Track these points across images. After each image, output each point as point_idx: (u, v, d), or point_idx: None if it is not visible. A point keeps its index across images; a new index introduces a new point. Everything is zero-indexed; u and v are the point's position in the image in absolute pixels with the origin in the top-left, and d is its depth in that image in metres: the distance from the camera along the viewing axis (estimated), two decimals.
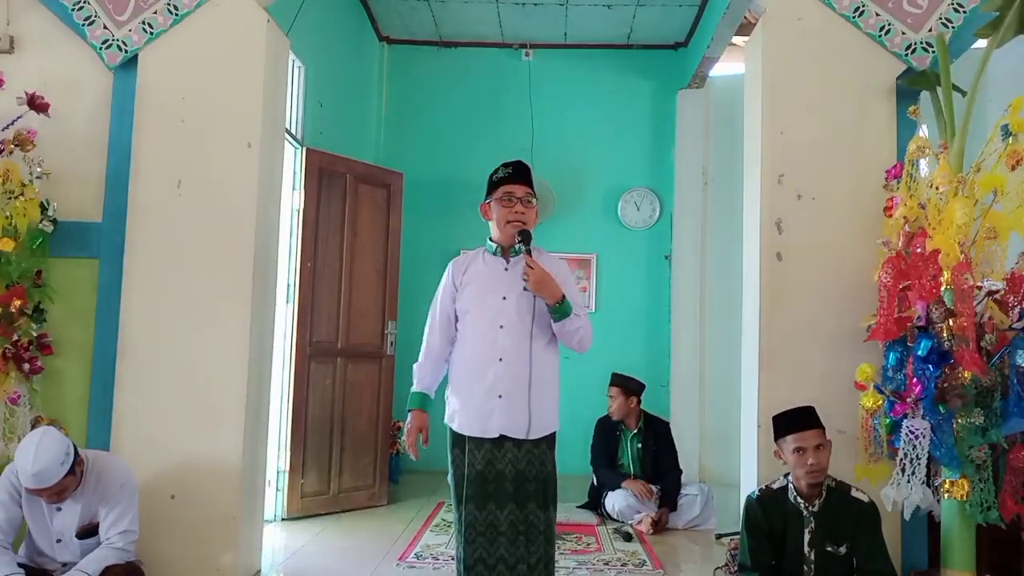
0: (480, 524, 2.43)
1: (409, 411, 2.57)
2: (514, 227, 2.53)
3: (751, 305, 3.42)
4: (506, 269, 2.56)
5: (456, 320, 2.61)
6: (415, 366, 2.63)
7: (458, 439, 2.53)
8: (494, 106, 6.48)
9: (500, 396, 2.46)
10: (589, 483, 5.00)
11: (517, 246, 2.53)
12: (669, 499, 4.61)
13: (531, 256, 2.46)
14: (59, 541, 2.81)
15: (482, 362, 2.49)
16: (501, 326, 2.49)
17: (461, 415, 2.52)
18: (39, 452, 2.59)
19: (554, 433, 2.57)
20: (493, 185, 2.59)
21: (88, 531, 2.81)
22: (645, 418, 4.87)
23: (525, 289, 2.47)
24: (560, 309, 2.46)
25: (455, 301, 2.60)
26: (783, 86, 3.38)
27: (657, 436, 4.81)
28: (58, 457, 2.62)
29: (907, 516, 2.85)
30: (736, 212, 3.84)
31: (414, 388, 2.60)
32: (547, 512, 2.48)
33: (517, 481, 2.45)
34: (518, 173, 2.58)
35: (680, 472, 4.76)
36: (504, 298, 2.51)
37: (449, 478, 2.56)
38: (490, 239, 2.63)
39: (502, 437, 2.47)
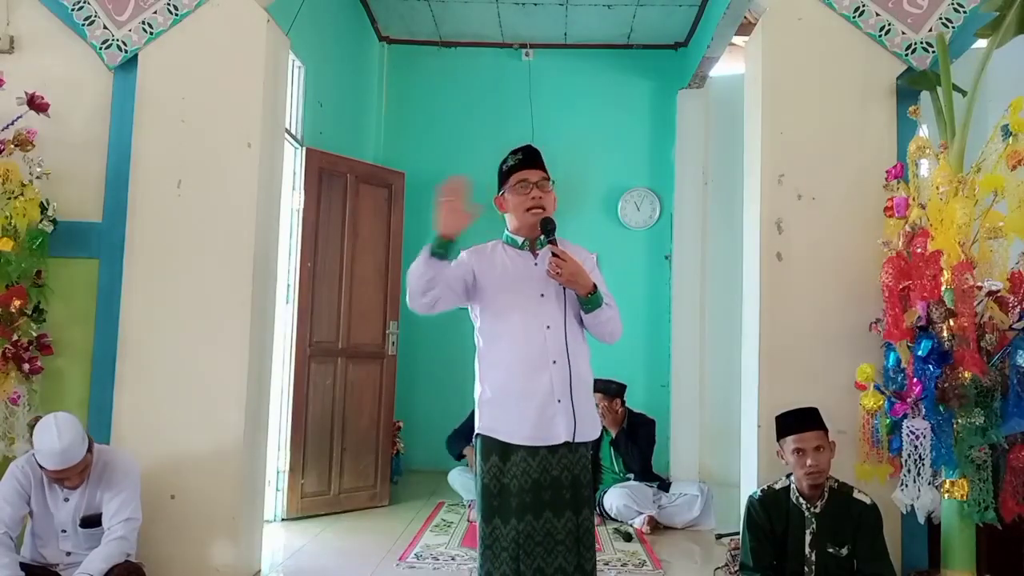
0: (538, 534, 2.27)
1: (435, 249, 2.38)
2: (535, 214, 2.37)
3: (751, 305, 3.42)
4: (535, 264, 2.39)
5: (468, 297, 2.43)
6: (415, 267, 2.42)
7: (502, 448, 2.33)
8: (494, 106, 6.47)
9: (559, 401, 2.31)
10: None
11: (542, 238, 2.38)
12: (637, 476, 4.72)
13: (557, 246, 2.30)
14: (63, 532, 2.84)
15: (535, 367, 2.33)
16: (548, 326, 2.34)
17: (515, 424, 2.32)
18: (62, 431, 2.64)
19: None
20: (504, 175, 2.45)
21: (91, 520, 2.83)
22: (629, 418, 4.88)
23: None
24: (592, 300, 2.32)
25: (470, 281, 2.42)
26: (783, 86, 3.38)
27: (638, 435, 4.82)
28: (80, 434, 2.70)
29: (921, 520, 2.85)
30: (736, 212, 3.84)
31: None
32: (594, 516, 2.43)
33: (574, 487, 2.32)
34: (529, 158, 2.43)
35: (648, 470, 4.84)
36: (542, 295, 2.36)
37: (478, 490, 2.37)
38: (509, 233, 2.49)
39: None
